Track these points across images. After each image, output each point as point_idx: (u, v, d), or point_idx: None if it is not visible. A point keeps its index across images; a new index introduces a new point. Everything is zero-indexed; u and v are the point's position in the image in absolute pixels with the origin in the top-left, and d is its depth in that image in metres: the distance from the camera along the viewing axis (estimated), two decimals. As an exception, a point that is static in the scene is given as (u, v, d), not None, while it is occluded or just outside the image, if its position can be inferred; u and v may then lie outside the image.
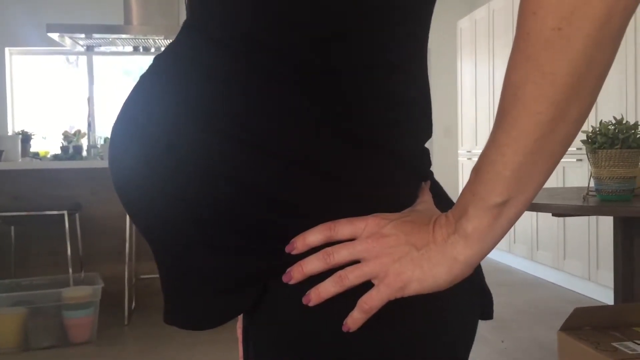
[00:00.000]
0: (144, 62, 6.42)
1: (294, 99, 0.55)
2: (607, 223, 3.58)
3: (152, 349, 3.04)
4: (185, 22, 0.64)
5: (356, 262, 0.54)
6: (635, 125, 1.93)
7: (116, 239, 3.70)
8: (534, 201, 1.20)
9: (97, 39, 4.17)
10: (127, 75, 6.39)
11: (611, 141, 1.90)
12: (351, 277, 0.53)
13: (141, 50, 4.64)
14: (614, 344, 1.62)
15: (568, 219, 3.99)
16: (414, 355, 0.54)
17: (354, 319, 0.52)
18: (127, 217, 3.41)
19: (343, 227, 0.54)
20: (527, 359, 2.78)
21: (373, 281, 0.53)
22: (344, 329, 0.53)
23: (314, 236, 0.54)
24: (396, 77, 0.59)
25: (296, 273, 0.54)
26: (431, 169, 0.66)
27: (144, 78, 0.64)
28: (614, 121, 1.95)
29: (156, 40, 4.21)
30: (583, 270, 3.91)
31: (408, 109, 0.60)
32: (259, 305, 0.57)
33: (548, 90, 0.46)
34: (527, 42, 0.47)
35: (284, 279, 0.54)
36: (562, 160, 0.52)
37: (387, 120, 0.58)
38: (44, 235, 3.68)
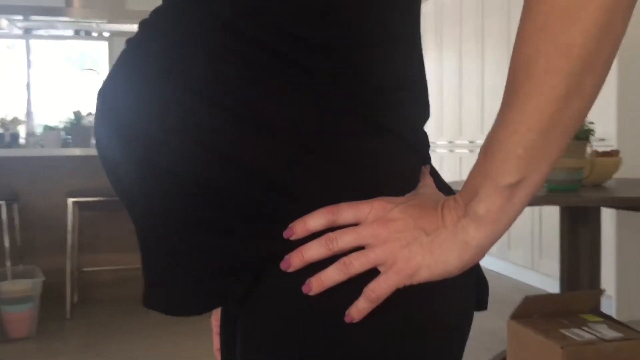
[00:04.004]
0: (86, 47, 6.23)
1: (292, 76, 0.52)
2: (550, 214, 3.67)
3: (95, 343, 2.97)
4: None
5: (360, 248, 0.50)
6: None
7: (57, 230, 3.58)
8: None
9: (35, 21, 4.01)
10: (68, 62, 6.17)
11: (560, 132, 1.94)
12: (356, 264, 0.49)
13: (83, 34, 4.49)
14: (562, 331, 1.67)
15: (513, 209, 4.07)
16: (416, 345, 0.51)
17: (359, 309, 0.49)
18: (69, 207, 3.30)
19: (347, 211, 0.50)
20: (476, 346, 2.82)
21: (380, 268, 0.50)
22: (347, 319, 0.49)
23: (315, 220, 0.50)
24: (396, 55, 0.57)
25: (295, 260, 0.50)
26: None
27: (131, 48, 0.59)
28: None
29: (99, 24, 4.08)
30: (526, 260, 4.01)
31: (408, 89, 0.58)
32: (252, 294, 0.53)
33: (563, 63, 0.44)
34: (538, 13, 0.45)
35: (282, 266, 0.50)
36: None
37: (388, 100, 0.55)
38: (-21, 227, 3.53)
